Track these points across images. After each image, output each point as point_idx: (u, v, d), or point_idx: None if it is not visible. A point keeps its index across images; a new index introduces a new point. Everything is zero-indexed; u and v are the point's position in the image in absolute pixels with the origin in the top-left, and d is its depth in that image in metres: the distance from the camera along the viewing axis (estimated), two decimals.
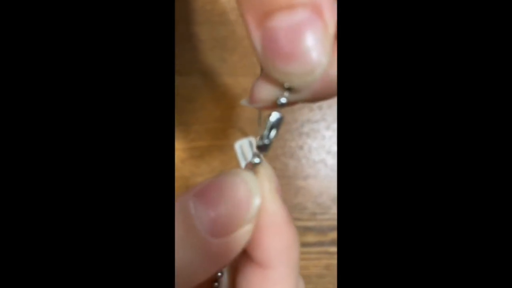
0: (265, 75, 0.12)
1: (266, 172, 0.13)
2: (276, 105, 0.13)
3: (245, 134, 0.43)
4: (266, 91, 0.12)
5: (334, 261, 0.42)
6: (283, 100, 0.12)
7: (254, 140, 0.43)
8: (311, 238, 0.42)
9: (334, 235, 0.42)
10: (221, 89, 0.44)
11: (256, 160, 0.13)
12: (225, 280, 0.16)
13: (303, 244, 0.42)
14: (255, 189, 0.12)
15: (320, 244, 0.42)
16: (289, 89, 0.12)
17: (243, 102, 0.13)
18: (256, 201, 0.12)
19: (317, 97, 0.13)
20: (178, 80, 0.43)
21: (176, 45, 0.43)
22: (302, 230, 0.42)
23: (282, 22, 0.10)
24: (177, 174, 0.43)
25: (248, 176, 0.12)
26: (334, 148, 0.43)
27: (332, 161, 0.43)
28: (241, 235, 0.12)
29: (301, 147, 0.43)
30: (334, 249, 0.42)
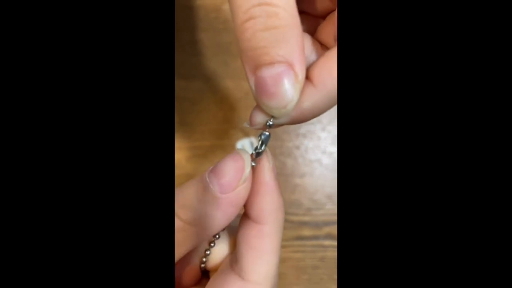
0: (258, 106, 0.17)
1: (266, 155, 0.18)
2: (266, 127, 0.18)
3: (246, 134, 0.45)
4: (259, 118, 0.17)
5: (328, 254, 0.44)
6: (270, 122, 0.17)
7: (254, 140, 0.44)
8: (306, 232, 0.44)
9: (328, 229, 0.44)
10: (224, 92, 0.45)
11: (253, 163, 0.18)
12: (223, 241, 0.21)
13: (299, 238, 0.44)
14: (247, 161, 0.17)
15: (315, 237, 0.44)
16: (273, 117, 0.17)
17: (245, 124, 0.19)
18: (248, 169, 0.17)
19: (294, 122, 0.17)
20: (184, 84, 0.45)
21: (182, 51, 0.45)
22: (298, 225, 0.44)
23: (267, 72, 0.15)
24: (182, 171, 0.44)
25: (243, 153, 0.18)
26: (329, 148, 0.45)
27: (327, 160, 0.45)
28: (239, 192, 0.17)
29: (298, 147, 0.45)
30: (328, 242, 0.44)
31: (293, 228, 0.44)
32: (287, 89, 0.16)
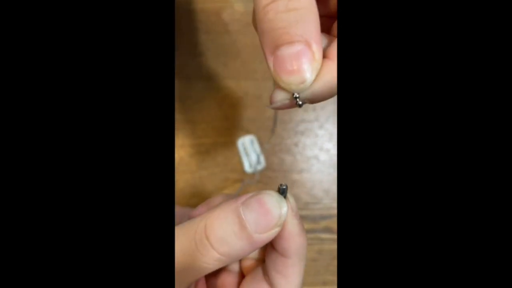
0: (277, 85, 0.18)
1: (290, 203, 0.20)
2: (285, 106, 0.18)
3: (246, 132, 0.46)
4: (279, 96, 0.18)
5: (325, 247, 0.45)
6: (296, 95, 0.18)
7: (255, 138, 0.45)
8: (304, 226, 0.45)
9: (325, 223, 0.45)
10: (225, 91, 0.46)
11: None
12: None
13: None
14: (284, 208, 0.19)
15: (313, 231, 0.45)
16: (293, 94, 0.18)
17: (268, 106, 0.20)
18: (283, 216, 0.19)
19: (315, 98, 0.18)
20: (187, 84, 0.46)
21: (185, 53, 0.47)
22: None
23: (286, 51, 0.17)
24: (185, 167, 0.46)
25: (279, 198, 0.20)
26: (326, 145, 0.46)
27: (324, 157, 0.46)
28: (271, 234, 0.19)
29: (296, 144, 0.46)
30: (325, 235, 0.45)
31: None
32: (305, 66, 0.17)
